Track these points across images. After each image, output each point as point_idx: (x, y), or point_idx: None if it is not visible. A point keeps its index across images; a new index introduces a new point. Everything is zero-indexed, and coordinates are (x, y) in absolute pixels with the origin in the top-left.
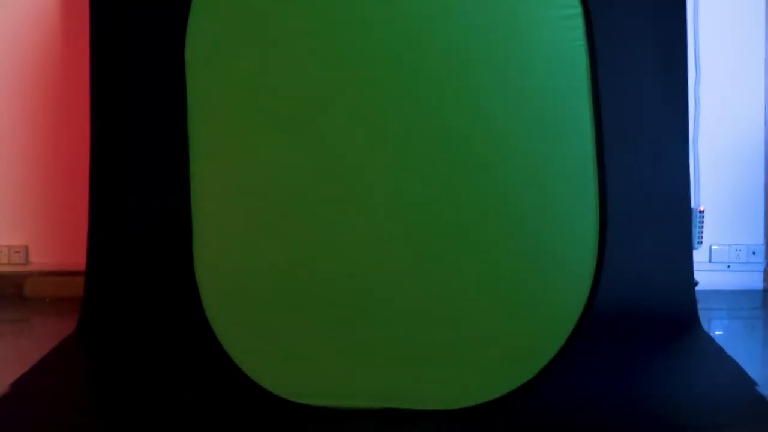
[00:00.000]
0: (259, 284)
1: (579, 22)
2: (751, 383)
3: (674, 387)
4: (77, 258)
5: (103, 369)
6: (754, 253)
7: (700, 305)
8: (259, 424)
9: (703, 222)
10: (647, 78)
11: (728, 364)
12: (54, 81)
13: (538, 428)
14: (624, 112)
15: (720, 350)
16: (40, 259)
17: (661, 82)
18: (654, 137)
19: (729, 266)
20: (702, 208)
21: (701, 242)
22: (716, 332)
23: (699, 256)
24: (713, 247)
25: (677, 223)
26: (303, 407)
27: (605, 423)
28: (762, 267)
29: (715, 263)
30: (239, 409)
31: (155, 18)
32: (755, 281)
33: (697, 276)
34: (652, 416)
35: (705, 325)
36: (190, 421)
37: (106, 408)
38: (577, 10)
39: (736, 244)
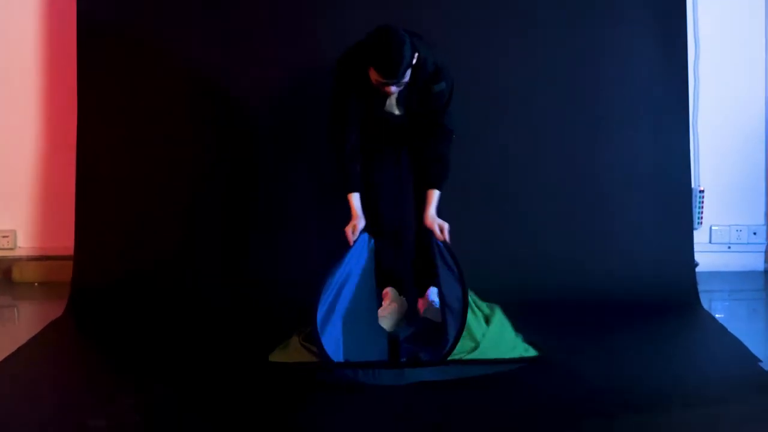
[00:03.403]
0: None
1: None
2: (754, 359)
3: (679, 363)
4: (65, 242)
5: (87, 351)
6: (754, 233)
7: (700, 287)
8: None
9: (703, 202)
10: (645, 52)
11: (731, 342)
12: (41, 72)
13: (549, 400)
14: (621, 87)
15: (722, 329)
16: (29, 244)
17: (661, 55)
18: (653, 113)
19: (729, 247)
20: (702, 188)
21: (701, 222)
22: (717, 315)
23: (699, 236)
24: (713, 228)
25: (677, 202)
26: None
27: (610, 396)
28: (763, 247)
29: (715, 244)
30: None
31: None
32: (756, 262)
33: (697, 257)
34: (658, 390)
35: (706, 307)
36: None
37: (88, 388)
38: None
39: (737, 225)
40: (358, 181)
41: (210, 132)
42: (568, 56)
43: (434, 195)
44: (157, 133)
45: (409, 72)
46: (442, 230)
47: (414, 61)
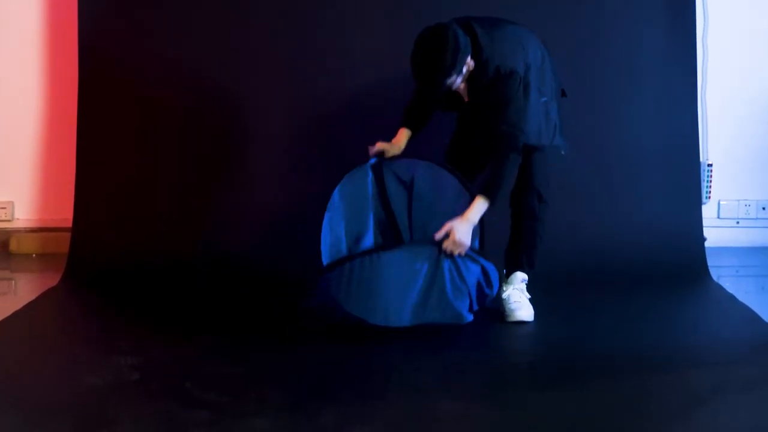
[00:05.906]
0: None
1: None
2: (764, 325)
3: (688, 327)
4: (62, 214)
5: (84, 315)
6: (764, 208)
7: (708, 263)
8: None
9: (711, 176)
10: (653, 24)
11: (741, 309)
12: (41, 44)
13: (553, 361)
14: (629, 60)
15: (732, 298)
16: (26, 216)
17: (669, 27)
18: (661, 86)
19: (738, 222)
20: (710, 162)
21: (709, 197)
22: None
23: (707, 211)
24: (722, 203)
25: (685, 176)
26: None
27: (615, 357)
28: None
29: (723, 219)
30: None
31: None
32: (765, 238)
33: (705, 232)
34: (667, 352)
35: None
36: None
37: (85, 349)
38: None
39: (745, 200)
40: (413, 121)
41: (208, 111)
42: (574, 28)
43: (475, 202)
44: (157, 106)
45: (455, 79)
46: (453, 245)
47: (465, 68)
